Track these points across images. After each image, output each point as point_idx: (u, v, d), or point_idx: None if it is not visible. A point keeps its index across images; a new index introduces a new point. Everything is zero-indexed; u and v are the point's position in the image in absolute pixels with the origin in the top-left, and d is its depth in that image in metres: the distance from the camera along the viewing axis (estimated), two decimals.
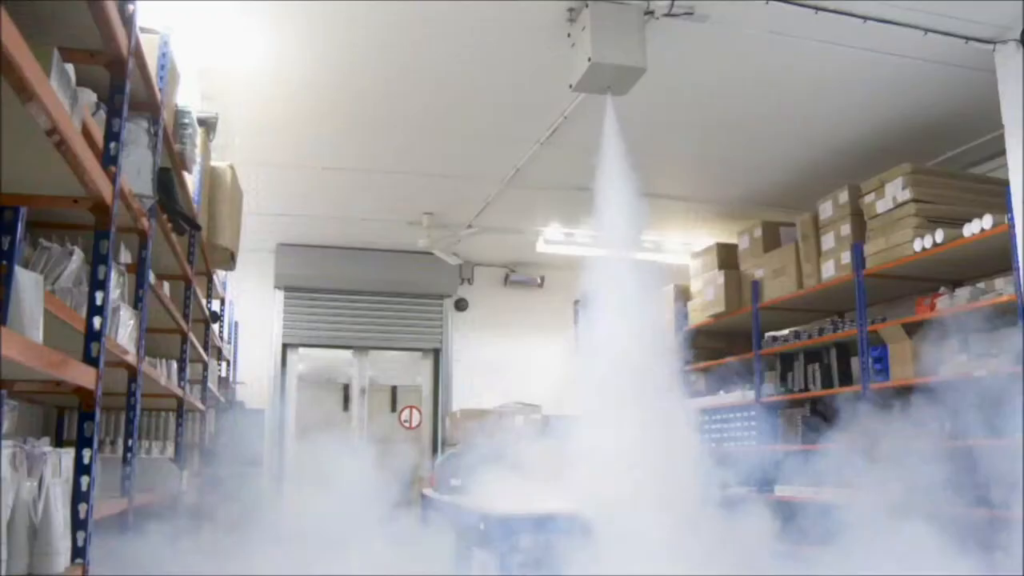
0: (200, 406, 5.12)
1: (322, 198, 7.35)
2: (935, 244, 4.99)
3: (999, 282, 4.79)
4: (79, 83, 2.08)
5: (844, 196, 5.88)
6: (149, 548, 2.96)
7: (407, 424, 9.16)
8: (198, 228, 3.99)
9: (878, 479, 4.25)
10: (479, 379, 8.75)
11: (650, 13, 4.10)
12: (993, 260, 5.02)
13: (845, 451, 4.80)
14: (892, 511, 4.01)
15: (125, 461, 2.98)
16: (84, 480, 2.03)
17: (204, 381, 5.34)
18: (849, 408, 5.22)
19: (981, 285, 4.96)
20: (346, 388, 9.22)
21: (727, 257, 7.37)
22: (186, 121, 3.64)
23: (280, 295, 8.94)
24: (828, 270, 6.03)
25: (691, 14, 4.12)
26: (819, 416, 6.11)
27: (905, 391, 5.15)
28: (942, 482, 4.10)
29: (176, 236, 3.64)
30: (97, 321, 2.13)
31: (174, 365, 4.17)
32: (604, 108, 4.37)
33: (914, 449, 4.25)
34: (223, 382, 6.91)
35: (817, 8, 4.11)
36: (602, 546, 3.68)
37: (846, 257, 5.81)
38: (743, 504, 4.65)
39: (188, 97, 3.83)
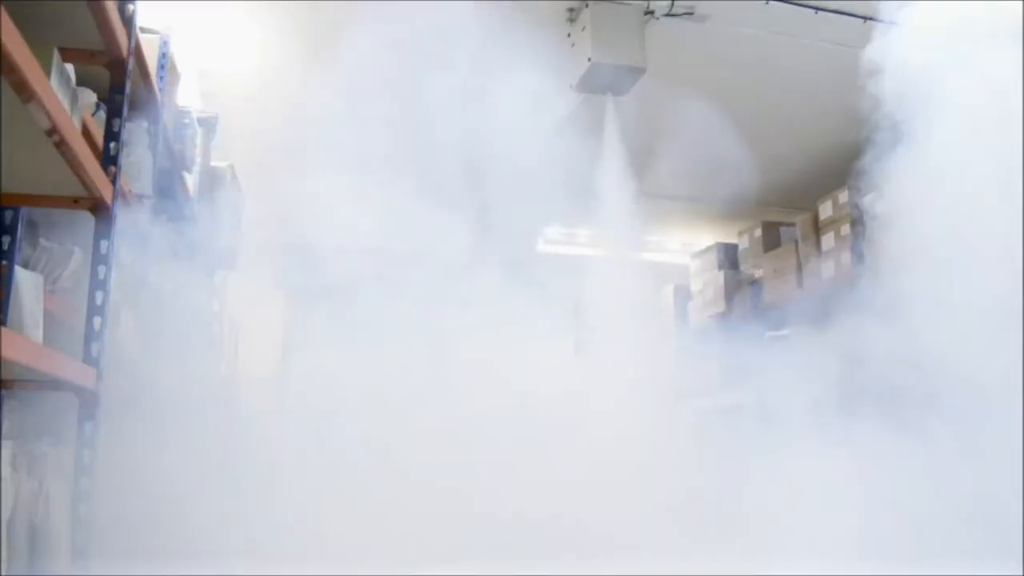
0: None
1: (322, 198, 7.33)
2: None
3: None
4: (79, 83, 2.08)
5: (844, 196, 5.88)
6: None
7: None
8: (198, 228, 3.99)
9: None
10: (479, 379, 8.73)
11: (650, 13, 4.11)
12: None
13: None
14: None
15: None
16: (84, 480, 2.03)
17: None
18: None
19: None
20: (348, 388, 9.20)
21: (727, 257, 7.37)
22: (186, 121, 3.64)
23: (282, 296, 8.93)
24: (828, 270, 6.03)
25: (691, 14, 4.13)
26: None
27: None
28: None
29: (176, 236, 3.63)
30: (97, 321, 2.13)
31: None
32: (604, 108, 4.38)
33: None
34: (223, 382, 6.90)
35: (817, 8, 4.12)
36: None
37: (846, 257, 5.81)
38: None
39: (188, 97, 3.83)
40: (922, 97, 3.72)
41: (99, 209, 2.14)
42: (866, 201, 5.62)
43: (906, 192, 3.95)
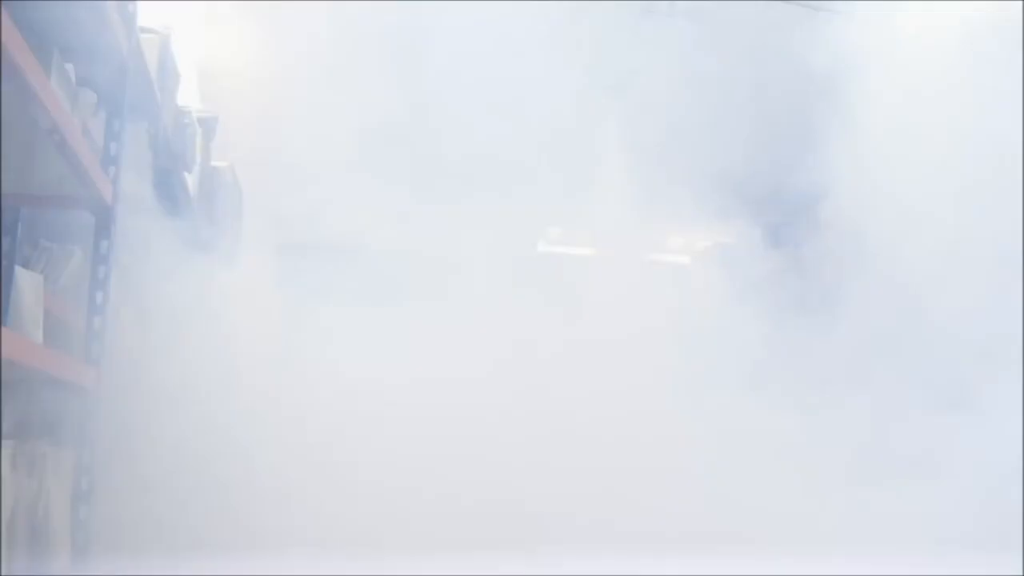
0: None
1: (323, 198, 7.32)
2: None
3: None
4: (79, 83, 2.08)
5: (843, 196, 5.87)
6: None
7: None
8: (197, 227, 3.99)
9: None
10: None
11: (650, 13, 4.11)
12: None
13: None
14: None
15: None
16: (84, 480, 2.03)
17: None
18: None
19: None
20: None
21: (727, 257, 7.36)
22: (186, 121, 3.64)
23: (280, 295, 8.91)
24: (828, 269, 6.02)
25: (691, 14, 4.13)
26: None
27: None
28: None
29: (176, 235, 3.63)
30: (97, 321, 2.13)
31: None
32: (604, 108, 4.38)
33: None
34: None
35: (818, 9, 4.11)
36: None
37: (845, 257, 5.80)
38: None
39: (188, 97, 3.82)
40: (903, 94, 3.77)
41: (99, 209, 2.14)
42: (862, 200, 5.61)
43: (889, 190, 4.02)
